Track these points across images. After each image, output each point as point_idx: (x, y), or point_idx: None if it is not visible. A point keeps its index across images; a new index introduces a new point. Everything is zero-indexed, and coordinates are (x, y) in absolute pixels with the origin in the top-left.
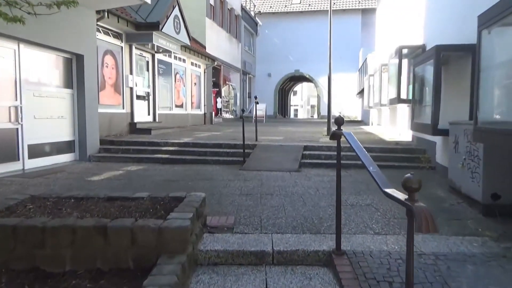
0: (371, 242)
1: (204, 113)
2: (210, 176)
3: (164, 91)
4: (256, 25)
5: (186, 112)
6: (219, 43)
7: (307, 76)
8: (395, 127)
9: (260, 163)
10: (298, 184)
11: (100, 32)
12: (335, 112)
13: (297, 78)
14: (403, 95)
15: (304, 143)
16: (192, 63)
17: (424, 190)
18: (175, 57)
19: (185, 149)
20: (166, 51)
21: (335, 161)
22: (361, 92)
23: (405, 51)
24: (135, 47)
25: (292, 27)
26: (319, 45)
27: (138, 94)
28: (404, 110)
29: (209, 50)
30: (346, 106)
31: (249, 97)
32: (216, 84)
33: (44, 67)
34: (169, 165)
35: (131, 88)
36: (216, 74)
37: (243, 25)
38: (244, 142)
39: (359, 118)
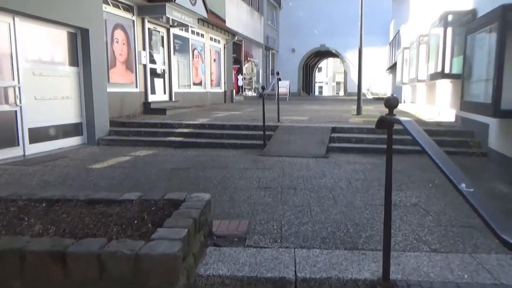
0: (428, 266)
1: (225, 91)
2: (225, 163)
3: (181, 68)
4: None
5: (205, 91)
6: (240, 16)
7: (333, 51)
8: (434, 105)
9: (282, 147)
10: (326, 175)
11: (109, 5)
12: (362, 89)
13: (323, 54)
14: (447, 69)
15: (332, 124)
16: (211, 38)
17: (480, 182)
18: (193, 32)
19: (200, 131)
20: (182, 25)
21: (367, 145)
22: (392, 68)
23: (450, 17)
24: (148, 21)
25: None
26: (346, 17)
27: (152, 71)
28: (445, 87)
29: (229, 24)
30: (374, 82)
31: (272, 73)
32: (237, 61)
33: (44, 44)
34: (182, 150)
35: (145, 65)
36: (237, 50)
37: None
38: (264, 124)
39: (390, 95)
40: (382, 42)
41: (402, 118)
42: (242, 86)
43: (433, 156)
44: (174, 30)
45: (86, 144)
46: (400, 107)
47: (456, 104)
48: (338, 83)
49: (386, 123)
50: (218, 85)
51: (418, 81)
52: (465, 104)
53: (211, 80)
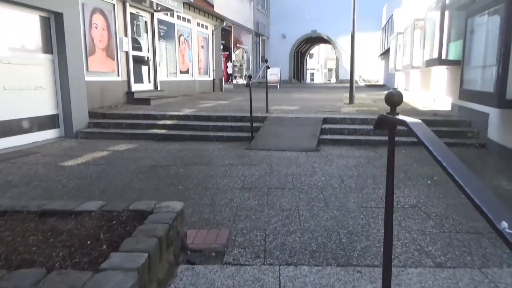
0: (434, 285)
1: (213, 79)
2: (208, 158)
3: (166, 55)
4: None
5: (193, 79)
6: (229, 1)
7: (325, 37)
8: (428, 92)
9: (271, 140)
10: (317, 171)
11: None
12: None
13: (314, 40)
14: (444, 55)
15: (323, 115)
16: (198, 24)
17: (482, 177)
18: (178, 17)
19: (185, 123)
20: (167, 10)
21: (360, 137)
22: (384, 54)
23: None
24: (130, 5)
25: None
26: (338, 2)
27: (135, 59)
28: (441, 73)
29: (218, 9)
30: (366, 69)
31: (263, 60)
32: (226, 47)
33: (14, 29)
34: (164, 143)
35: (127, 53)
36: (226, 36)
37: None
38: (251, 115)
39: (381, 82)
40: (374, 27)
41: (408, 120)
42: (231, 74)
43: (457, 176)
44: (159, 15)
45: (63, 138)
46: None
47: (453, 92)
48: (329, 70)
49: (388, 124)
50: (206, 73)
51: (413, 67)
52: (464, 92)
53: (199, 68)
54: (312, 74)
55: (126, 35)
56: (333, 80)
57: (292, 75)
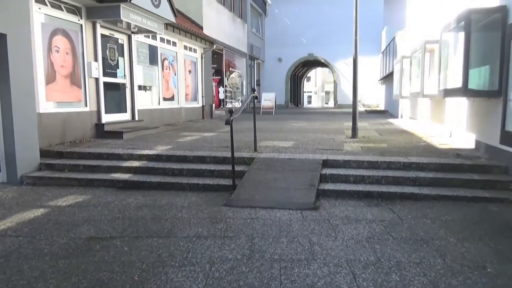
0: None
1: (202, 106)
2: (171, 224)
3: (147, 81)
4: (265, 4)
5: (178, 106)
6: (220, 23)
7: (322, 61)
8: (443, 125)
9: (257, 191)
10: (317, 253)
11: (46, 5)
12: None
13: (311, 63)
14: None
15: (323, 155)
16: (185, 47)
17: None
18: (162, 40)
19: (155, 166)
20: (147, 32)
21: (369, 187)
22: (385, 78)
23: (474, 17)
24: (101, 26)
25: (305, 5)
26: (335, 25)
27: (108, 86)
28: (460, 105)
29: (208, 31)
30: (366, 93)
31: (258, 84)
32: (218, 71)
33: None
34: (125, 193)
35: (97, 79)
36: (218, 59)
37: (249, 4)
38: (233, 158)
39: (382, 107)
40: (374, 50)
41: None
42: (223, 99)
43: None
44: (138, 37)
45: (5, 184)
46: (398, 123)
47: (477, 128)
48: (327, 93)
49: None
50: (195, 99)
51: (424, 96)
52: (509, 136)
53: (186, 94)
54: (309, 97)
55: (96, 59)
56: (331, 103)
57: (288, 99)
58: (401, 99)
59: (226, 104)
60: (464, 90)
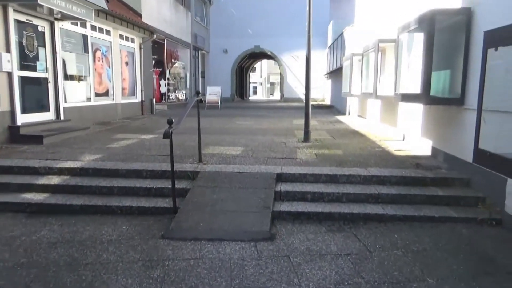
0: None
1: (142, 101)
2: (91, 273)
3: (74, 74)
4: None
5: (114, 102)
6: (161, 11)
7: (269, 53)
8: (396, 128)
9: (202, 217)
10: None
11: None
12: (299, 94)
13: (258, 55)
14: (410, 87)
15: (276, 167)
16: (121, 36)
17: None
18: (93, 28)
19: (78, 183)
20: (73, 18)
21: (330, 207)
22: (332, 73)
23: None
24: (15, 10)
25: None
26: (282, 17)
27: (26, 81)
28: (415, 109)
29: (147, 19)
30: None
31: (203, 76)
32: (160, 63)
33: None
34: (37, 222)
35: (10, 74)
36: (159, 50)
37: None
38: (173, 179)
39: (328, 102)
40: (320, 44)
41: None
42: (165, 93)
43: None
44: (63, 24)
45: None
46: (347, 121)
47: (435, 134)
48: (272, 84)
49: None
50: (133, 94)
51: (377, 97)
52: (482, 155)
53: (123, 89)
54: (255, 87)
55: (8, 50)
56: (276, 95)
57: (234, 92)
58: (349, 97)
59: (168, 98)
60: (426, 97)
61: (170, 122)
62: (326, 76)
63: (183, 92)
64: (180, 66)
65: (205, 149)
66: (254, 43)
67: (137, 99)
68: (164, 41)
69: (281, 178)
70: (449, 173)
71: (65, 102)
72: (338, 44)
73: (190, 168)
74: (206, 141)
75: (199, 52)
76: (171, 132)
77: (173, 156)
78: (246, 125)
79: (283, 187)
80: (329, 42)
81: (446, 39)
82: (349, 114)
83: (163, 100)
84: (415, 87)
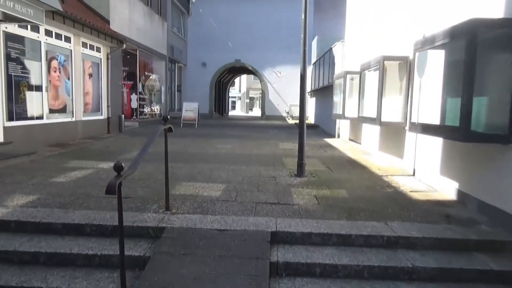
0: None
1: (108, 118)
2: None
3: (21, 87)
4: (188, 1)
5: (73, 119)
6: (134, 18)
7: (250, 68)
8: (402, 160)
9: None
10: None
11: None
12: (282, 112)
13: (238, 70)
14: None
15: (269, 221)
16: (84, 45)
17: None
18: (48, 33)
19: None
20: (20, 20)
21: (348, 286)
22: (317, 91)
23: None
24: None
25: (232, 7)
26: (264, 30)
27: None
28: (430, 139)
29: (116, 27)
30: (293, 103)
31: (179, 90)
32: (132, 75)
33: None
34: None
35: None
36: (131, 61)
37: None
38: (123, 259)
39: (312, 121)
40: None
41: None
42: (136, 108)
43: None
44: (7, 27)
45: None
46: (338, 146)
47: (465, 177)
48: (251, 99)
49: None
50: (98, 110)
51: (382, 123)
52: None
53: (85, 104)
54: (234, 102)
55: None
56: (256, 111)
57: (213, 108)
58: (341, 119)
59: (139, 114)
60: (465, 132)
61: (118, 169)
62: (309, 93)
63: (157, 107)
64: (154, 79)
65: (175, 187)
66: (234, 57)
67: (103, 115)
68: (136, 52)
69: (277, 238)
70: (495, 232)
71: (7, 120)
72: (325, 60)
73: (152, 221)
74: (178, 175)
75: (176, 64)
76: (120, 184)
77: (122, 220)
78: (227, 149)
79: (281, 254)
80: (313, 58)
81: (484, 57)
82: (339, 136)
83: (134, 116)
84: (431, 116)
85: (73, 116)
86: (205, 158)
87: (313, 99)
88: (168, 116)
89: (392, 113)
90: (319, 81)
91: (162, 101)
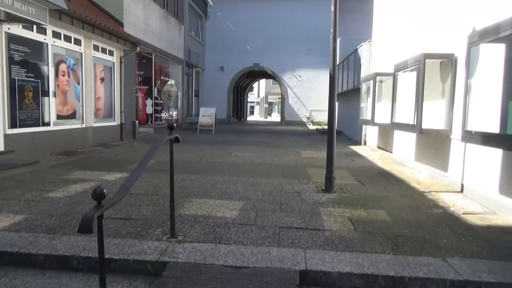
0: None
1: (121, 124)
2: None
3: (27, 92)
4: (206, 5)
5: (83, 126)
6: (149, 21)
7: (269, 72)
8: (444, 170)
9: None
10: None
11: None
12: (302, 117)
13: (257, 74)
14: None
15: (296, 251)
16: (96, 48)
17: None
18: (57, 35)
19: None
20: (22, 20)
21: None
22: (340, 95)
23: None
24: None
25: (252, 10)
26: (284, 33)
27: None
28: (485, 150)
29: (130, 29)
30: (314, 108)
31: (197, 95)
32: (147, 80)
33: None
34: None
35: None
36: (146, 65)
37: (187, 3)
38: None
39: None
40: (323, 64)
41: None
42: (152, 114)
43: None
44: (10, 28)
45: None
46: (367, 155)
47: None
48: (270, 104)
49: None
50: (110, 115)
51: (422, 131)
52: None
53: (97, 110)
54: (252, 107)
55: None
56: (274, 116)
57: (230, 113)
58: (369, 125)
59: (155, 120)
60: None
61: (98, 197)
62: None
63: (174, 112)
64: (171, 83)
65: (185, 205)
66: (253, 61)
67: (115, 121)
68: (152, 56)
69: (307, 280)
70: None
71: (10, 127)
72: (349, 62)
73: (153, 252)
74: (190, 189)
75: (193, 69)
76: (101, 217)
77: (104, 268)
78: (245, 158)
79: None
80: (338, 61)
81: None
82: (365, 144)
83: (149, 122)
84: (486, 123)
85: (83, 123)
86: (221, 169)
87: (336, 104)
88: (175, 124)
89: (433, 119)
90: (343, 84)
91: (179, 106)
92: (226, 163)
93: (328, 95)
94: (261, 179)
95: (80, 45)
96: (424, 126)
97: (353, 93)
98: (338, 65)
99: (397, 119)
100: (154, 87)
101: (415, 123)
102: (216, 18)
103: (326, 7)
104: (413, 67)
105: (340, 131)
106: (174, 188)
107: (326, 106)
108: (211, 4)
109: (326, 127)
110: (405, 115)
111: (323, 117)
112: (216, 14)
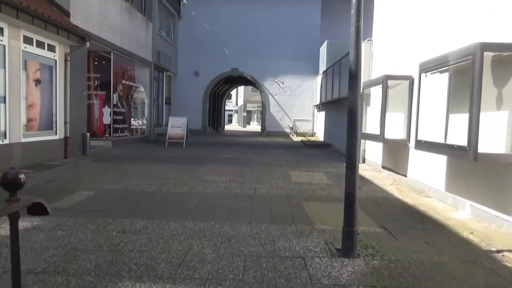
0: None
1: (65, 138)
2: None
3: None
4: (179, 2)
5: (6, 142)
6: (106, 14)
7: (249, 78)
8: (501, 211)
9: None
10: None
11: None
12: (285, 127)
13: (235, 80)
14: None
15: None
16: (27, 40)
17: None
18: None
19: None
20: None
21: None
22: (327, 104)
23: None
24: None
25: (230, 9)
26: (265, 35)
27: None
28: None
29: (78, 20)
30: (298, 118)
31: (168, 103)
32: (105, 84)
33: None
34: None
35: None
36: (105, 67)
37: None
38: None
39: (321, 138)
40: (309, 70)
41: None
42: (110, 125)
43: None
44: None
45: None
46: (369, 176)
47: None
48: (249, 112)
49: None
50: (50, 127)
51: (479, 157)
52: None
53: (28, 120)
54: (230, 116)
55: None
56: (253, 126)
57: (206, 123)
58: (369, 141)
59: (113, 132)
60: None
61: None
62: (317, 107)
63: (140, 122)
64: (136, 89)
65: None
66: (231, 66)
67: (57, 135)
68: (110, 55)
69: None
70: None
71: None
72: (341, 67)
73: None
74: (125, 255)
75: (164, 73)
76: None
77: None
78: (219, 185)
79: None
80: (322, 67)
81: None
82: (364, 161)
83: (107, 135)
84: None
85: (4, 138)
86: (185, 206)
87: (323, 113)
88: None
89: (487, 137)
90: (331, 93)
91: (146, 115)
92: (192, 195)
93: (350, 95)
94: (242, 227)
95: (2, 35)
96: (451, 141)
97: (345, 102)
98: (325, 71)
99: (420, 136)
100: (114, 93)
101: (466, 144)
102: (190, 17)
103: (312, 7)
104: (457, 62)
105: (329, 144)
106: (102, 252)
107: (310, 116)
108: (185, 1)
109: (312, 138)
110: (431, 130)
111: (308, 127)
112: (190, 13)
